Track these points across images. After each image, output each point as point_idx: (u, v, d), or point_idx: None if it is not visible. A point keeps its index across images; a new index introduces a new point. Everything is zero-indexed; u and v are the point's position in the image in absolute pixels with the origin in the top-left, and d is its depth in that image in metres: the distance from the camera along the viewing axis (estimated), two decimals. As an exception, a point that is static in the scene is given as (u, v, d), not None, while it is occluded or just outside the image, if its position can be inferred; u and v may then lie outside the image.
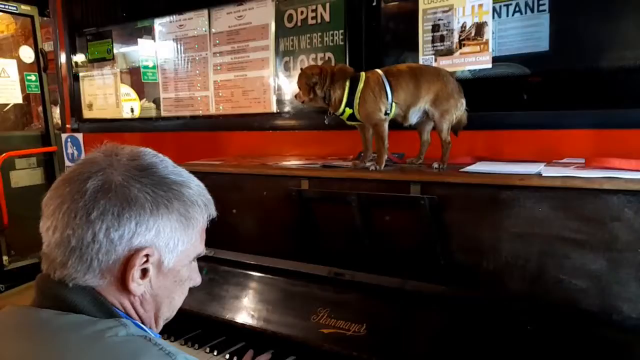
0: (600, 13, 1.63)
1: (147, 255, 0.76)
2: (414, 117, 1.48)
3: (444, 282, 1.32)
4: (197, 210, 0.83)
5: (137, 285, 0.77)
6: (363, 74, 1.48)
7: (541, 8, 1.68)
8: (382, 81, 1.45)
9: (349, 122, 1.52)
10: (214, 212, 0.87)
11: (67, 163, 3.09)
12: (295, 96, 1.58)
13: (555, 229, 1.19)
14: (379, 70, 1.48)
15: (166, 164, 0.82)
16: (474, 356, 1.20)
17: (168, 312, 0.87)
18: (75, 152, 3.03)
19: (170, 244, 0.79)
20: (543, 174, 1.21)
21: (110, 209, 0.73)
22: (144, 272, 0.78)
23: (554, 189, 1.18)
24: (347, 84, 1.45)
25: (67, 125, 3.05)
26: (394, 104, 1.46)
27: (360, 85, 1.45)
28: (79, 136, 2.99)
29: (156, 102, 2.97)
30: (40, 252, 0.79)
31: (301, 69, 1.55)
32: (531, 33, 1.69)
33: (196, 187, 0.83)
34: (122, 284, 0.77)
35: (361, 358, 1.32)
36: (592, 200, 1.14)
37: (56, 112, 4.81)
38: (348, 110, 1.46)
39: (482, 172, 1.33)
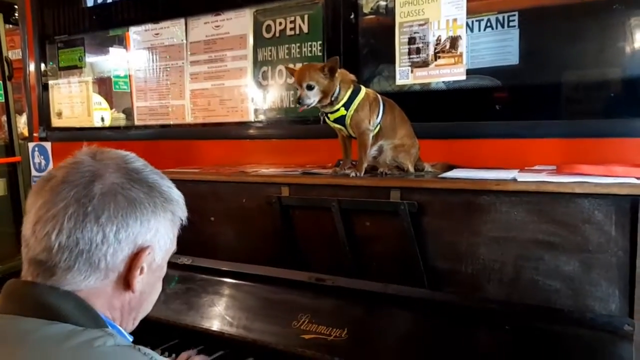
0: (567, 30, 1.72)
1: (147, 254, 0.80)
2: (375, 149, 1.55)
3: (424, 286, 1.34)
4: (180, 209, 0.88)
5: (138, 282, 0.80)
6: (363, 87, 1.54)
7: (511, 24, 1.77)
8: (379, 100, 1.53)
9: (332, 124, 1.54)
10: (186, 212, 0.91)
11: (34, 173, 2.99)
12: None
13: (530, 232, 1.23)
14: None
15: (149, 167, 0.86)
16: (454, 357, 1.22)
17: (147, 307, 0.90)
18: (43, 162, 2.94)
19: (162, 242, 0.84)
20: (518, 179, 1.26)
21: (120, 211, 0.76)
22: (141, 270, 0.80)
23: (529, 193, 1.22)
24: (351, 88, 1.50)
25: (35, 134, 2.97)
26: (379, 125, 1.52)
27: (362, 94, 1.50)
28: (47, 145, 2.90)
29: (126, 112, 2.93)
30: (26, 258, 0.78)
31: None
32: (502, 47, 1.77)
33: (174, 188, 0.88)
34: (125, 282, 0.79)
35: (342, 363, 1.32)
36: (564, 204, 1.19)
37: (20, 121, 4.67)
38: (342, 111, 1.48)
39: (459, 178, 1.37)
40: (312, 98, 1.46)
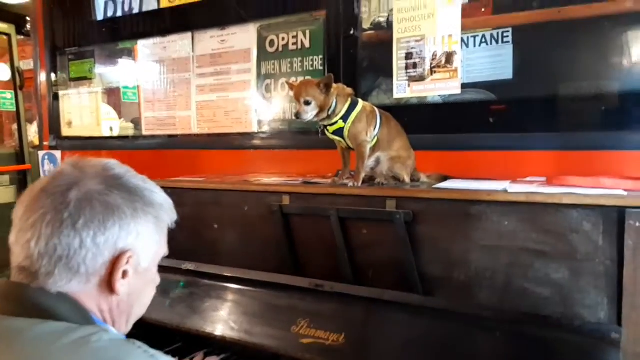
0: (559, 46, 1.78)
1: (129, 257, 0.82)
2: (373, 160, 1.61)
3: (418, 292, 1.39)
4: (165, 213, 0.89)
5: (121, 285, 0.82)
6: (360, 100, 1.60)
7: (505, 40, 1.83)
8: (376, 113, 1.59)
9: (331, 136, 1.60)
10: (175, 215, 0.93)
11: (43, 181, 3.06)
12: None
13: (520, 241, 1.28)
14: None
15: (131, 173, 0.88)
16: (446, 361, 1.26)
17: (139, 311, 0.92)
18: (53, 170, 3.01)
19: (146, 246, 0.85)
20: (509, 190, 1.31)
21: (96, 216, 0.78)
22: (124, 274, 0.82)
23: (519, 203, 1.27)
24: (349, 101, 1.56)
25: (45, 143, 3.05)
26: (376, 137, 1.58)
27: (359, 107, 1.56)
28: (57, 154, 2.98)
29: (134, 122, 3.01)
30: (13, 266, 0.80)
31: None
32: (496, 62, 1.83)
33: (160, 192, 0.90)
34: (108, 285, 0.81)
35: (339, 367, 1.36)
36: (553, 214, 1.24)
37: (30, 130, 4.77)
38: (340, 124, 1.54)
39: (453, 188, 1.42)
40: (310, 112, 1.52)
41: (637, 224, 1.13)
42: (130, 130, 3.00)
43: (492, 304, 1.31)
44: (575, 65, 1.73)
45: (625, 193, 1.24)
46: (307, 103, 1.51)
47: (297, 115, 1.53)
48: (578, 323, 1.20)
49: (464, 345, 1.28)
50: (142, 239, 0.84)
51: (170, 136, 2.57)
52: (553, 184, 1.36)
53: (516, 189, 1.31)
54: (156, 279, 0.94)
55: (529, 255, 1.27)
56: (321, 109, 1.53)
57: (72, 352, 0.71)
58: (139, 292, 0.88)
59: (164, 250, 0.92)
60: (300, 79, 2.13)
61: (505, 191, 1.31)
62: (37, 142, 4.73)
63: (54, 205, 0.77)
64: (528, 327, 1.24)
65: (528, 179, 1.56)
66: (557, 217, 1.24)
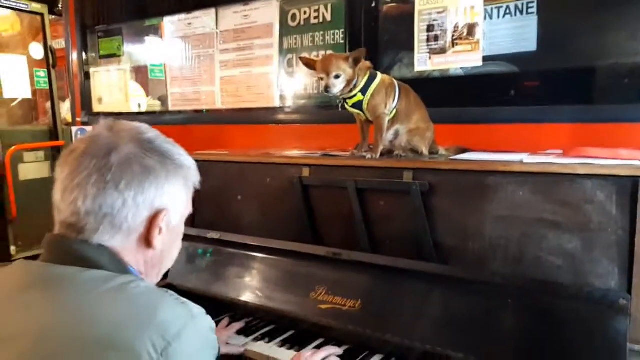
0: (584, 17, 1.75)
1: (164, 215, 0.89)
2: (392, 132, 1.63)
3: (433, 260, 1.43)
4: (192, 174, 0.96)
5: (157, 240, 0.90)
6: (379, 73, 1.61)
7: (530, 10, 1.80)
8: (394, 86, 1.60)
9: (350, 109, 1.63)
10: (199, 177, 0.99)
11: (77, 154, 3.19)
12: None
13: (534, 211, 1.29)
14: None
15: (162, 137, 0.94)
16: (460, 327, 1.30)
17: (168, 264, 1.00)
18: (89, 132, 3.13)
19: (177, 205, 0.92)
20: (525, 161, 1.32)
21: (136, 178, 0.85)
22: (159, 230, 0.90)
23: (534, 174, 1.29)
24: (367, 74, 1.58)
25: (78, 119, 3.17)
26: (395, 109, 1.59)
27: (378, 80, 1.58)
28: (89, 129, 3.10)
29: (161, 99, 3.09)
30: (58, 221, 0.88)
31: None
32: (520, 34, 1.81)
33: (187, 155, 0.96)
34: (145, 240, 0.89)
35: (355, 331, 1.42)
36: (567, 185, 1.25)
37: (63, 107, 4.94)
38: (359, 96, 1.57)
39: (469, 159, 1.44)
40: (338, 86, 1.54)
41: (651, 194, 1.13)
42: (157, 107, 3.09)
43: (505, 272, 1.34)
44: (600, 38, 1.70)
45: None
46: (337, 77, 1.53)
47: (327, 89, 1.54)
48: (588, 290, 1.22)
49: (477, 312, 1.31)
50: (174, 198, 0.91)
51: (195, 111, 2.64)
52: (569, 156, 1.37)
53: (532, 160, 1.32)
54: (181, 235, 1.01)
55: (543, 225, 1.29)
56: (348, 83, 1.55)
57: (114, 295, 0.79)
58: (169, 246, 0.96)
59: (189, 209, 0.98)
60: (322, 53, 2.15)
61: (521, 162, 1.32)
62: (69, 120, 4.90)
63: (97, 167, 0.84)
64: (540, 295, 1.26)
65: (547, 151, 1.56)
66: (572, 187, 1.25)
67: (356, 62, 1.53)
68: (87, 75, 3.14)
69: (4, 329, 0.77)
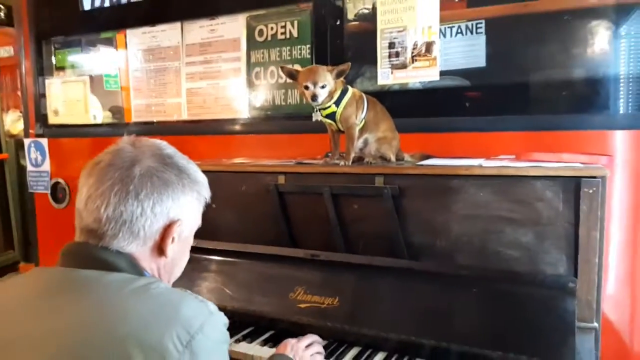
0: (526, 36, 1.97)
1: (178, 226, 0.96)
2: (361, 141, 1.76)
3: (404, 257, 1.56)
4: (204, 189, 1.05)
5: (170, 249, 0.97)
6: (350, 87, 1.73)
7: (479, 30, 2.00)
8: (363, 98, 1.74)
9: (323, 119, 1.74)
10: (210, 192, 1.08)
11: (30, 168, 3.10)
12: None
13: (493, 209, 1.46)
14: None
15: (179, 154, 1.03)
16: (431, 316, 1.43)
17: (178, 272, 1.07)
18: (39, 157, 3.05)
19: (190, 217, 1.00)
20: (483, 165, 1.48)
21: (155, 189, 0.93)
22: (172, 239, 0.97)
23: (492, 176, 1.45)
24: (340, 87, 1.70)
25: (31, 131, 3.08)
26: (364, 120, 1.73)
27: (349, 93, 1.70)
28: (44, 141, 3.02)
29: (112, 110, 3.06)
30: (78, 227, 0.94)
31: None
32: (471, 51, 2.00)
33: (200, 172, 1.05)
34: (159, 249, 0.96)
35: (334, 327, 1.51)
36: (521, 185, 1.42)
37: (6, 119, 4.72)
38: (333, 108, 1.68)
39: (435, 165, 1.59)
40: (323, 96, 1.64)
41: (590, 191, 1.32)
42: (110, 119, 3.06)
43: (470, 265, 1.49)
44: (541, 54, 1.92)
45: (581, 165, 1.44)
46: (323, 87, 1.63)
47: (314, 98, 1.62)
48: (541, 277, 1.39)
49: (445, 302, 1.45)
50: (187, 210, 0.98)
51: (159, 122, 2.66)
52: (521, 160, 1.55)
53: (489, 164, 1.49)
54: (190, 246, 1.08)
55: (501, 221, 1.45)
56: (329, 94, 1.66)
57: (138, 295, 0.85)
58: (180, 255, 1.03)
59: (199, 222, 1.06)
60: (291, 66, 2.26)
61: (481, 166, 1.48)
62: (13, 132, 4.70)
63: (120, 177, 0.91)
64: (500, 284, 1.42)
65: (501, 156, 1.74)
66: (525, 187, 1.42)
67: (339, 75, 1.65)
68: (41, 86, 3.07)
69: (34, 331, 0.80)
